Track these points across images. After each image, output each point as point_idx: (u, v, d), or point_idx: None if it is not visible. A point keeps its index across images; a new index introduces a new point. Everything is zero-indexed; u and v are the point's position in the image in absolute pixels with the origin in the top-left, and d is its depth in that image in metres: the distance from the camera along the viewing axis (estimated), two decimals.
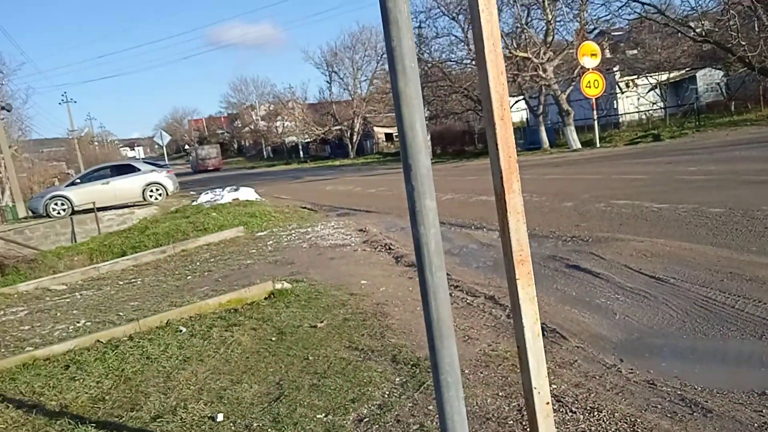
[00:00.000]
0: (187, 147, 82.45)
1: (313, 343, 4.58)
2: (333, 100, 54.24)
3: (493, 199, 1.74)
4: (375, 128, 51.21)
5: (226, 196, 17.00)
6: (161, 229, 12.89)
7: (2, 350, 5.58)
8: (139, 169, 19.94)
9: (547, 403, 1.72)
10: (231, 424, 3.38)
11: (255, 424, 3.33)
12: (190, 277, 8.17)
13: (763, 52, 21.66)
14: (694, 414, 2.87)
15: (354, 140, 50.74)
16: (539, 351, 1.74)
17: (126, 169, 20.16)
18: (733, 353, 3.57)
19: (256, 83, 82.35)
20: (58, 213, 18.26)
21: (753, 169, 10.48)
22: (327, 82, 55.56)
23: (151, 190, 19.48)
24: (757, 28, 22.08)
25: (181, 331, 5.18)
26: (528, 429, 2.19)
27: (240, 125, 78.02)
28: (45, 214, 18.31)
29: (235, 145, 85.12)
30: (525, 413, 2.90)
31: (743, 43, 21.64)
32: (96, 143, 76.06)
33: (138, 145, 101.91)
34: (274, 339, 4.79)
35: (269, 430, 3.24)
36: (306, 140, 59.38)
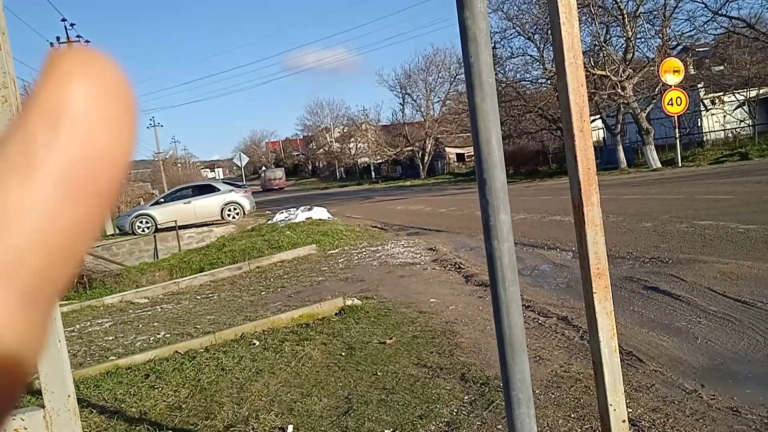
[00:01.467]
0: (263, 167, 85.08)
1: (381, 359, 4.60)
2: (405, 122, 54.67)
3: (567, 219, 1.73)
4: (446, 148, 51.19)
5: (300, 215, 17.39)
6: (237, 247, 13.33)
7: (88, 359, 5.90)
8: (218, 189, 20.74)
9: (624, 420, 1.67)
10: None
11: None
12: (264, 292, 8.39)
13: None
14: None
15: (425, 161, 50.86)
16: (616, 367, 1.69)
17: (206, 189, 21.00)
18: None
19: (331, 106, 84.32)
20: (143, 230, 19.19)
21: None
22: (400, 104, 56.08)
23: (229, 209, 20.20)
24: None
25: (254, 344, 5.32)
26: None
27: (315, 147, 79.84)
28: (131, 232, 19.29)
29: (310, 166, 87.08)
30: None
31: None
32: (179, 165, 79.71)
33: (218, 167, 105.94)
34: (343, 354, 4.84)
35: None
36: (378, 161, 60.05)
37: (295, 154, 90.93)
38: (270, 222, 17.43)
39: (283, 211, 19.47)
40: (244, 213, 20.61)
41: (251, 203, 21.20)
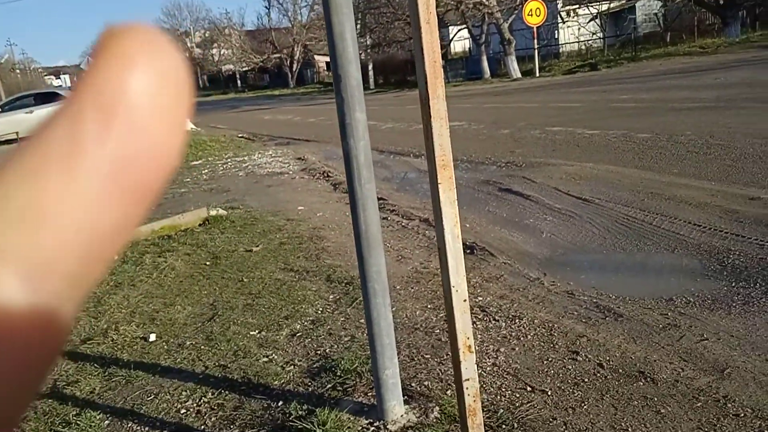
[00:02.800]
0: None
1: (248, 267, 4.59)
2: (272, 27, 52.33)
3: None
4: (316, 57, 49.91)
5: None
6: None
7: None
8: (64, 98, 18.93)
9: (465, 300, 1.79)
10: (164, 344, 3.39)
11: (188, 342, 3.36)
12: None
13: None
14: (607, 318, 3.06)
15: (294, 69, 49.41)
16: (458, 252, 1.79)
17: (51, 97, 19.04)
18: (647, 265, 3.79)
19: (190, 8, 78.46)
20: None
21: (681, 97, 10.83)
22: (266, 7, 53.48)
23: None
24: None
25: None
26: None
27: None
28: None
29: None
30: None
31: None
32: (18, 71, 71.46)
33: (64, 74, 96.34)
34: (208, 263, 4.77)
35: (202, 347, 3.28)
36: (244, 69, 57.47)
37: None
38: None
39: None
40: None
41: None
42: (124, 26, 0.20)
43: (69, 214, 0.18)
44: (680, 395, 2.35)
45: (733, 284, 3.29)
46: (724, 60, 17.27)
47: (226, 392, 2.76)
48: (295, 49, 48.78)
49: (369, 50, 37.03)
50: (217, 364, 3.06)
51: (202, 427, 2.53)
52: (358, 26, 34.30)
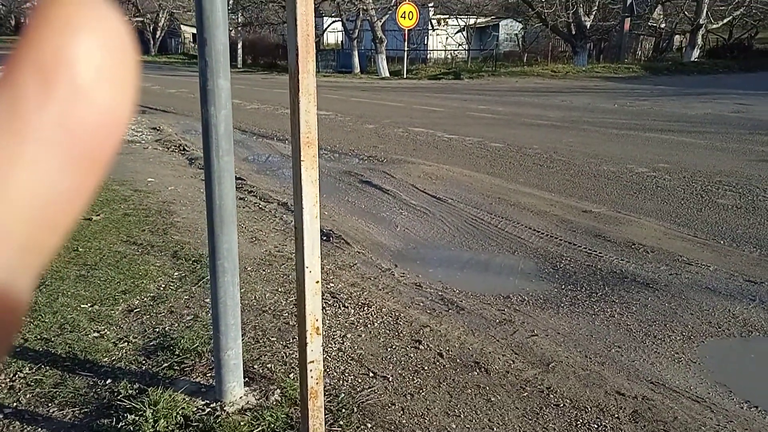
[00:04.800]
0: None
1: (85, 236, 4.23)
2: None
3: None
4: (183, 27, 47.39)
5: None
6: None
7: None
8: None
9: (317, 282, 1.77)
10: None
11: None
12: None
13: (557, 12, 23.91)
14: (450, 311, 3.19)
15: (157, 36, 46.54)
16: (315, 232, 1.76)
17: None
18: (489, 263, 4.02)
19: None
20: None
21: (532, 114, 11.64)
22: None
23: None
24: None
25: None
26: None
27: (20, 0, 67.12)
28: None
29: (13, 22, 73.37)
30: None
31: (543, 0, 23.65)
32: None
33: None
34: None
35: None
36: None
37: None
38: None
39: None
40: None
41: None
42: None
43: (16, 182, 0.18)
44: (509, 385, 2.51)
45: (563, 287, 3.58)
46: (571, 85, 18.83)
47: (47, 368, 2.52)
48: (161, 15, 45.97)
49: (240, 28, 35.85)
50: (38, 337, 2.78)
51: (15, 404, 2.28)
52: (231, 1, 33.05)
